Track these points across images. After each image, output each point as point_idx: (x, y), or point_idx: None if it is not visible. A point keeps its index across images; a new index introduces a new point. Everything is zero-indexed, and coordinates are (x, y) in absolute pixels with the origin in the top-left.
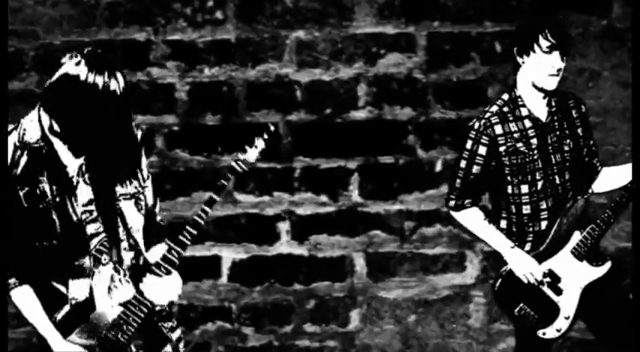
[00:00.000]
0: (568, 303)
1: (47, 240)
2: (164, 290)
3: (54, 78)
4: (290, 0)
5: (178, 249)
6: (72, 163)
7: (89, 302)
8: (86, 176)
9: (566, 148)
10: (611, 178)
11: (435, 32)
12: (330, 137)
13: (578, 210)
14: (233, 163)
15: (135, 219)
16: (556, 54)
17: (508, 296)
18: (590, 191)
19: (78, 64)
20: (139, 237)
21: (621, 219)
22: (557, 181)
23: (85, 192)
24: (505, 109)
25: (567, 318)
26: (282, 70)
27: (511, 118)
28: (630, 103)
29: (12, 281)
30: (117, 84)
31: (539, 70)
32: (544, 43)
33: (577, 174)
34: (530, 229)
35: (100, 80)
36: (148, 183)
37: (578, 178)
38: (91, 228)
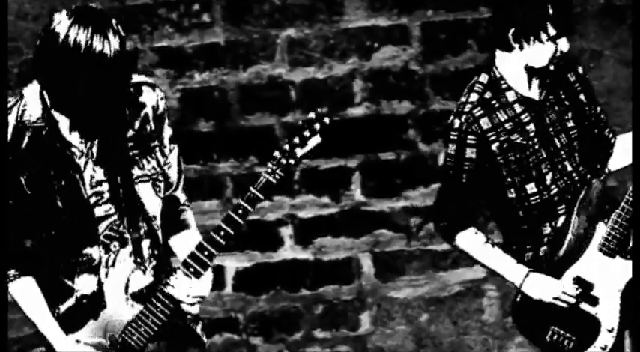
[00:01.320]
0: (609, 313)
1: (52, 228)
2: (192, 290)
3: (38, 40)
4: None
5: (211, 249)
6: (79, 142)
7: (97, 296)
8: (96, 156)
9: (570, 124)
10: (628, 148)
11: (430, 22)
12: (328, 136)
13: (596, 197)
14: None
15: (152, 204)
16: (563, 40)
17: (533, 322)
18: (606, 171)
19: (60, 20)
20: (156, 224)
21: None
22: (569, 168)
23: (94, 174)
24: (487, 95)
25: (611, 331)
26: (275, 70)
27: (497, 105)
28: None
29: (11, 272)
30: (107, 44)
31: (541, 56)
32: (551, 31)
33: (589, 152)
34: (548, 231)
35: (82, 38)
36: (171, 158)
37: (592, 158)
38: (99, 211)
